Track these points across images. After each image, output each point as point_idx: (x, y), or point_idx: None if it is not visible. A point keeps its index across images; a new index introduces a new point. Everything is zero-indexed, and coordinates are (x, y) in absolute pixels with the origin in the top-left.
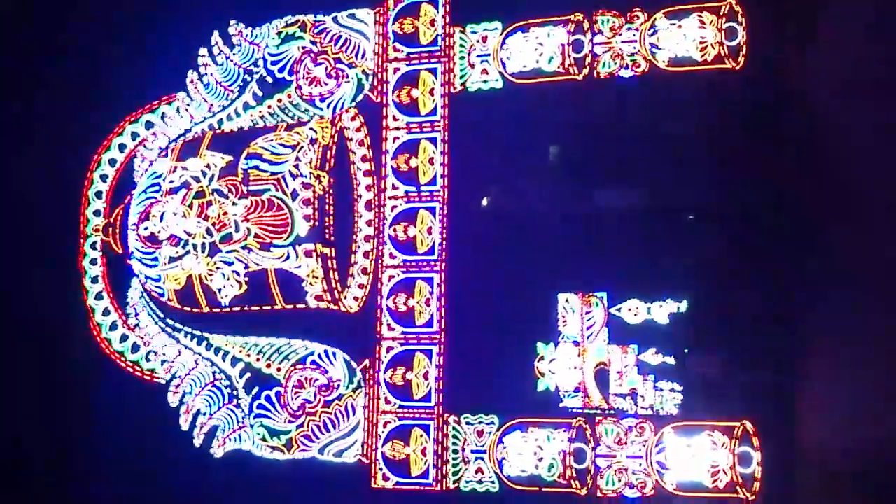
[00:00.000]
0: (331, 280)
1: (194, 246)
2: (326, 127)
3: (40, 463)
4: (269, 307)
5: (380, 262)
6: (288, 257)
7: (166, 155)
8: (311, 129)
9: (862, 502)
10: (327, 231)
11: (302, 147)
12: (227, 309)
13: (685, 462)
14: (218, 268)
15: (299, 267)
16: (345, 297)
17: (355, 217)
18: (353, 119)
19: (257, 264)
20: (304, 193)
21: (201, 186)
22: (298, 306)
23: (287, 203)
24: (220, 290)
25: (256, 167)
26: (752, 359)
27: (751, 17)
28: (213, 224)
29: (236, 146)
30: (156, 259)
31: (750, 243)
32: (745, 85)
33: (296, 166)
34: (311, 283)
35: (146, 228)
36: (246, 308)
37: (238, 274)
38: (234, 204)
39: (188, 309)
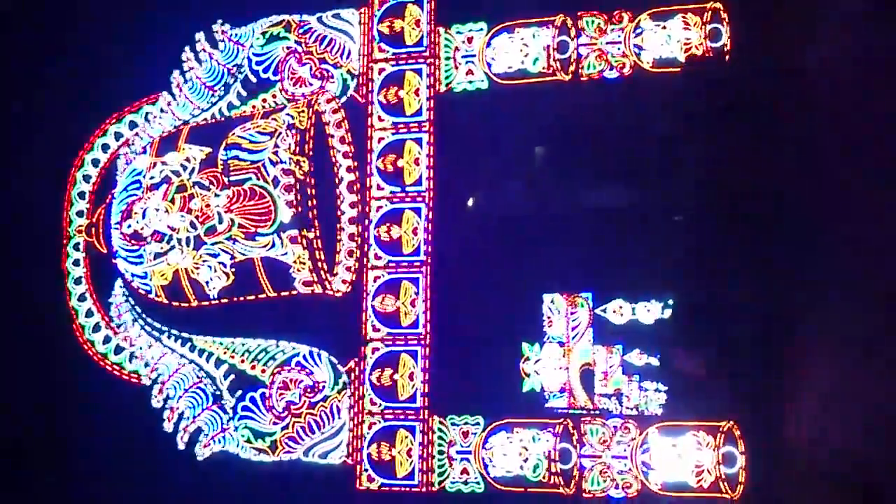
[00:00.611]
0: (318, 265)
1: (179, 240)
2: (303, 111)
3: (21, 463)
4: (257, 296)
5: (365, 241)
6: (273, 245)
7: (145, 151)
8: (288, 114)
9: (847, 503)
10: (311, 216)
11: (280, 133)
12: (216, 301)
13: (670, 462)
14: (204, 260)
15: (285, 254)
16: (333, 281)
17: (338, 200)
18: (328, 101)
19: (243, 254)
20: (285, 180)
21: (182, 180)
22: (287, 293)
23: (269, 191)
24: (207, 283)
25: (236, 157)
26: (737, 359)
27: (734, 18)
28: (197, 217)
29: (215, 138)
30: (141, 256)
31: (731, 243)
32: (729, 86)
33: (275, 153)
34: (298, 269)
35: (129, 226)
36: (235, 299)
37: (224, 265)
38: (216, 195)
39: (177, 304)
